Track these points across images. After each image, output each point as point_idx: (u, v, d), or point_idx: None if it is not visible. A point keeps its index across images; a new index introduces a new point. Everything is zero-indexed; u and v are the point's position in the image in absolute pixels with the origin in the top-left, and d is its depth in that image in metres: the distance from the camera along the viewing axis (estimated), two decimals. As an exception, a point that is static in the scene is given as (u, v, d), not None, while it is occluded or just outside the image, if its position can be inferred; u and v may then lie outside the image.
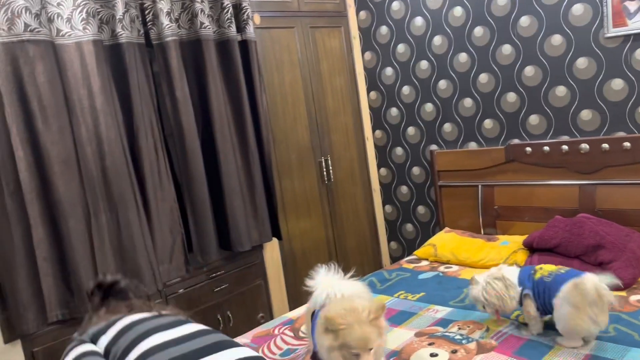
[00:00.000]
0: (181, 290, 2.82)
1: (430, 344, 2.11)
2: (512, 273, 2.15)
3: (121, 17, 2.48)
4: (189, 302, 2.85)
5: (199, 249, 2.86)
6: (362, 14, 3.82)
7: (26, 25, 2.21)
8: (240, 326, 3.03)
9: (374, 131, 3.98)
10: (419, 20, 3.53)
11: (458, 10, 3.33)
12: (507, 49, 3.18)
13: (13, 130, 2.18)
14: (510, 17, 3.13)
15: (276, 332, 2.44)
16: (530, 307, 2.06)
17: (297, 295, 3.09)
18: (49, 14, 2.28)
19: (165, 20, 2.63)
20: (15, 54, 2.19)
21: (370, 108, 3.95)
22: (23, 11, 2.19)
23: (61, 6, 2.31)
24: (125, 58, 2.51)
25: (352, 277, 1.94)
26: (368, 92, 3.93)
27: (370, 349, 1.60)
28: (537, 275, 2.08)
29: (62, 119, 2.31)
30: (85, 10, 2.36)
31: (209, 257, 2.88)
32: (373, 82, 3.88)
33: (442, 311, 2.46)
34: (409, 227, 3.96)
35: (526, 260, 2.84)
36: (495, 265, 2.90)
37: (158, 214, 2.65)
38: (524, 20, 3.08)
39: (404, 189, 3.91)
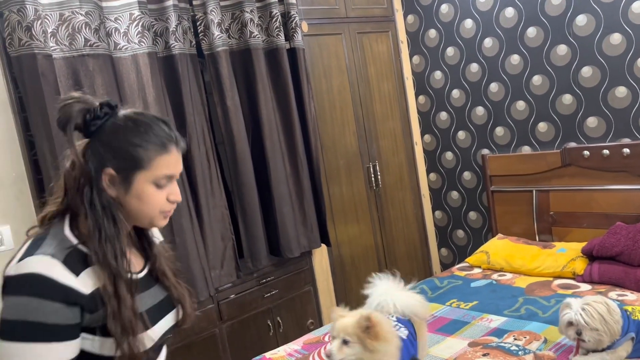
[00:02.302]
0: (232, 296, 2.86)
1: (484, 355, 2.05)
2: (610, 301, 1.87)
3: (174, 29, 2.56)
4: (240, 307, 2.89)
5: (249, 254, 2.90)
6: (410, 18, 3.79)
7: (86, 40, 2.31)
8: (289, 332, 3.05)
9: (422, 136, 3.93)
10: (468, 23, 3.46)
11: (510, 11, 3.24)
12: (562, 49, 3.07)
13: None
14: (565, 17, 3.02)
15: (326, 339, 2.43)
16: (627, 351, 1.82)
17: (346, 301, 3.07)
18: (107, 29, 2.38)
19: (216, 31, 2.69)
20: (76, 67, 2.29)
21: (419, 112, 3.90)
22: (83, 26, 2.29)
23: (118, 21, 2.40)
24: (178, 69, 2.58)
25: (408, 286, 1.91)
26: (416, 97, 3.89)
27: (344, 341, 1.55)
28: (636, 316, 1.85)
29: (119, 129, 2.39)
30: (140, 24, 2.44)
31: (259, 263, 2.91)
32: (422, 86, 3.84)
33: (496, 320, 2.40)
34: (460, 233, 3.88)
35: (585, 268, 2.72)
36: (552, 274, 2.82)
37: (210, 221, 2.71)
38: (581, 19, 2.97)
39: (454, 194, 3.84)
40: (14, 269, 1.03)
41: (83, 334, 1.07)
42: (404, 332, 1.74)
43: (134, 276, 1.12)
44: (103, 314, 1.06)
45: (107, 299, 1.06)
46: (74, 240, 1.08)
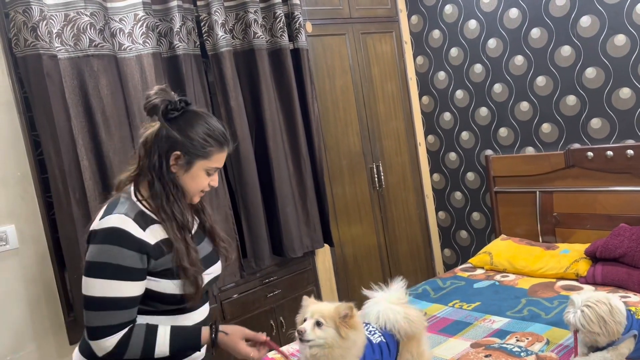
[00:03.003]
0: (235, 296, 2.87)
1: (487, 356, 2.05)
2: (617, 300, 1.84)
3: (178, 29, 2.57)
4: (243, 307, 2.90)
5: (252, 254, 2.90)
6: (414, 18, 3.79)
7: (91, 41, 2.32)
8: (293, 332, 3.05)
9: (426, 136, 3.93)
10: (472, 23, 3.46)
11: (514, 12, 3.24)
12: (566, 50, 3.06)
13: (79, 141, 2.29)
14: (569, 18, 3.02)
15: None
16: (629, 349, 1.81)
17: (349, 301, 3.07)
18: (112, 29, 2.39)
19: (220, 32, 2.70)
20: (81, 68, 2.31)
21: (423, 113, 3.90)
22: (88, 27, 2.31)
23: (123, 21, 2.41)
24: (182, 69, 2.59)
25: (405, 299, 1.89)
26: (420, 97, 3.89)
27: (317, 322, 1.58)
28: None
29: (123, 129, 2.41)
30: (145, 24, 2.45)
31: (262, 262, 2.92)
32: (425, 87, 3.84)
33: (498, 322, 2.40)
34: (463, 234, 3.88)
35: (589, 270, 2.72)
36: (555, 275, 2.82)
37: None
38: (585, 21, 2.96)
39: (457, 194, 3.84)
40: (98, 224, 1.33)
41: (151, 277, 1.34)
42: (377, 338, 1.74)
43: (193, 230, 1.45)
44: (165, 261, 1.35)
45: (177, 244, 1.35)
46: (140, 205, 1.37)
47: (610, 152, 2.92)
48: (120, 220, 1.32)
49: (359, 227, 3.55)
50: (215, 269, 1.51)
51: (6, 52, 2.22)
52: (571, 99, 3.10)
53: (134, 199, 1.38)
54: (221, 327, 1.45)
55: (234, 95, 2.76)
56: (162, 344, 1.34)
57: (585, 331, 1.78)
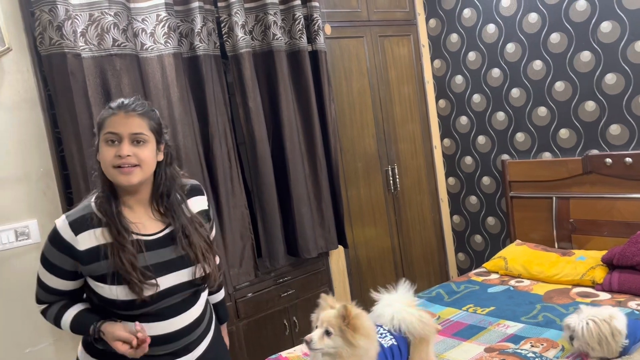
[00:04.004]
0: (250, 295, 2.89)
1: (501, 361, 2.05)
2: (621, 320, 1.92)
3: (199, 30, 2.60)
4: (257, 306, 2.92)
5: (267, 254, 2.93)
6: (432, 22, 3.79)
7: (114, 40, 2.36)
8: (305, 332, 3.04)
9: (442, 140, 3.92)
10: (491, 27, 3.45)
11: (533, 17, 3.23)
12: (586, 55, 3.05)
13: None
14: (590, 23, 3.00)
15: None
16: None
17: (362, 303, 3.07)
18: (135, 29, 2.43)
19: (239, 33, 2.73)
20: (104, 67, 2.35)
21: (439, 116, 3.90)
22: (112, 27, 2.34)
23: (145, 21, 2.45)
24: (202, 69, 2.62)
25: (417, 301, 1.88)
26: (437, 101, 3.88)
27: (327, 332, 1.57)
28: None
29: (144, 128, 2.44)
30: (167, 25, 2.48)
31: (277, 262, 2.94)
32: (442, 90, 3.83)
33: (513, 327, 2.39)
34: (478, 238, 3.87)
35: (605, 277, 2.70)
36: (571, 282, 2.80)
37: (230, 220, 2.74)
38: (605, 26, 2.94)
39: (473, 199, 3.83)
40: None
41: (95, 281, 1.37)
42: (388, 341, 1.73)
43: (143, 235, 1.42)
44: (99, 266, 1.35)
45: (111, 249, 1.35)
46: (94, 207, 1.40)
47: (629, 159, 2.90)
48: (60, 222, 1.39)
49: (373, 229, 3.55)
50: (179, 277, 1.43)
51: (31, 51, 2.26)
52: (590, 105, 3.08)
53: (92, 200, 1.41)
54: (103, 327, 1.39)
55: (252, 96, 2.79)
56: (65, 322, 1.44)
57: (582, 340, 1.87)
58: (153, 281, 1.37)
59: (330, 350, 1.56)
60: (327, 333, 1.56)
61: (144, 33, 2.45)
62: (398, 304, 1.85)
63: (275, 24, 2.85)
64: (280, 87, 2.88)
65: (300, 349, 2.42)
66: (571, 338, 1.96)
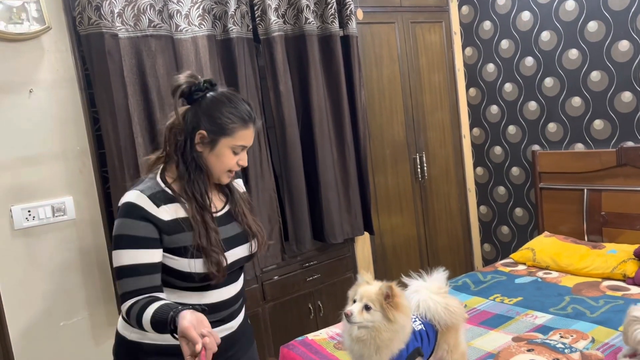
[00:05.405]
0: (276, 277, 2.92)
1: (529, 350, 2.04)
2: None
3: (233, 13, 2.60)
4: (283, 289, 2.95)
5: (294, 238, 2.94)
6: (465, 8, 3.73)
7: (150, 21, 2.38)
8: (329, 317, 3.09)
9: (471, 129, 3.88)
10: (526, 15, 3.38)
11: (570, 4, 3.15)
12: (624, 45, 2.97)
13: (134, 119, 2.36)
14: (629, 12, 2.92)
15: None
16: None
17: (387, 290, 3.09)
18: (170, 11, 2.45)
19: (272, 16, 2.73)
20: (139, 47, 2.37)
21: (469, 105, 3.85)
22: (148, 8, 2.37)
23: (180, 3, 2.47)
24: (235, 52, 2.63)
25: (446, 289, 1.88)
26: (467, 89, 3.84)
27: (366, 307, 1.59)
28: None
29: (177, 109, 2.46)
30: (201, 7, 2.50)
31: (303, 246, 2.96)
32: (473, 79, 3.78)
33: (541, 317, 2.37)
34: (505, 229, 3.83)
35: (637, 271, 2.65)
36: (601, 275, 2.76)
37: (258, 203, 2.76)
38: (646, 14, 2.86)
39: (501, 189, 3.79)
40: (120, 202, 1.39)
41: (168, 254, 1.37)
42: (417, 326, 1.74)
43: (214, 212, 1.46)
44: (181, 239, 1.37)
45: (196, 224, 1.38)
46: (162, 185, 1.42)
47: (665, 152, 2.83)
48: (134, 195, 1.37)
49: (399, 217, 3.54)
50: (242, 251, 1.51)
51: (70, 30, 2.30)
52: (627, 96, 3.01)
53: (159, 179, 1.42)
54: (181, 315, 1.21)
55: (283, 80, 2.79)
56: (146, 316, 1.27)
57: None
58: (226, 255, 1.43)
59: (368, 324, 1.59)
60: (367, 308, 1.59)
61: (178, 15, 2.47)
62: (425, 292, 1.85)
63: (308, 7, 2.84)
64: (311, 71, 2.88)
65: (326, 332, 2.44)
66: None
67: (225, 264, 1.42)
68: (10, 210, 2.18)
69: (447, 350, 1.80)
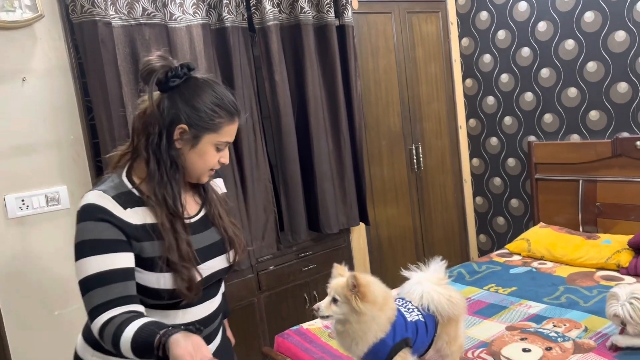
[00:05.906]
0: (271, 267, 2.92)
1: (522, 339, 2.05)
2: None
3: (228, 1, 2.59)
4: (279, 279, 2.95)
5: (289, 228, 2.95)
6: (461, -2, 3.72)
7: (144, 10, 2.37)
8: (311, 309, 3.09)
9: (467, 120, 3.88)
10: (522, 5, 3.37)
11: (567, -6, 3.15)
12: (620, 35, 2.96)
13: (128, 108, 2.35)
14: (625, 2, 2.91)
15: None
16: None
17: (382, 281, 3.09)
18: (164, -1, 2.43)
19: (267, 5, 2.71)
20: (133, 36, 2.36)
21: (465, 96, 3.85)
22: (141, -4, 2.35)
23: (175, -9, 2.45)
24: (230, 41, 2.62)
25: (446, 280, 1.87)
26: (464, 80, 3.83)
27: (334, 299, 1.56)
28: None
29: (171, 99, 2.45)
30: (196, -5, 2.48)
31: (298, 236, 2.96)
32: (469, 69, 3.78)
33: (535, 307, 2.38)
34: (501, 220, 3.84)
35: (631, 261, 2.66)
36: (596, 265, 2.77)
37: (254, 193, 2.76)
38: (643, 4, 2.85)
39: (497, 180, 3.79)
40: (79, 205, 1.21)
41: (144, 270, 1.20)
42: (414, 316, 1.72)
43: (187, 218, 1.27)
44: (151, 247, 1.19)
45: (165, 233, 1.20)
46: (129, 185, 1.23)
47: (661, 142, 2.84)
48: (95, 196, 1.19)
49: (395, 208, 3.55)
50: (220, 262, 1.32)
51: (63, 18, 2.28)
52: (622, 86, 3.01)
53: (124, 178, 1.24)
54: (172, 338, 1.05)
55: (278, 70, 2.78)
56: (125, 337, 1.08)
57: (634, 323, 1.77)
58: (200, 268, 1.24)
59: (339, 317, 1.57)
60: (335, 300, 1.58)
61: (173, 3, 2.45)
62: (428, 283, 1.84)
63: (304, -3, 2.82)
64: (306, 61, 2.87)
65: (321, 322, 2.44)
66: (623, 324, 1.84)
67: (199, 279, 1.23)
68: (4, 199, 2.17)
69: (446, 341, 1.79)
